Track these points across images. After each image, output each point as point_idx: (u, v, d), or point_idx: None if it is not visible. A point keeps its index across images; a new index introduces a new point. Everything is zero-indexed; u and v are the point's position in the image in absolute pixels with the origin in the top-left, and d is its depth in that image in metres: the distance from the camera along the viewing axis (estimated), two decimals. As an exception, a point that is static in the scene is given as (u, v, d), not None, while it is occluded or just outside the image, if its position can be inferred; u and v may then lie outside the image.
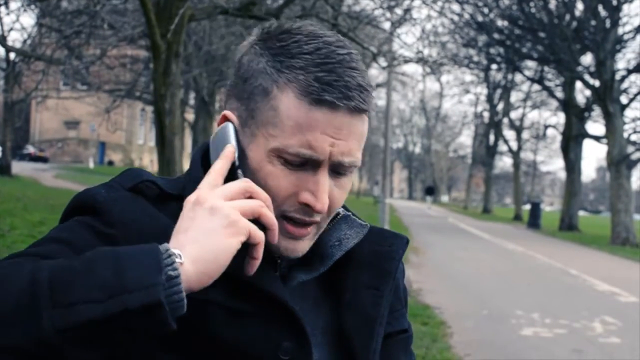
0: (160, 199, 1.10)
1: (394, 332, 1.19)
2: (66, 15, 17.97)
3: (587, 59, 28.86)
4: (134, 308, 0.85)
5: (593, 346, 7.70)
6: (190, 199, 0.98)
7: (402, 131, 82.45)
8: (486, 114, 52.83)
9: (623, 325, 8.92)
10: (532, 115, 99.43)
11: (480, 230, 28.88)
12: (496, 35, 29.49)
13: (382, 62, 17.68)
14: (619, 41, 26.09)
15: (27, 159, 48.00)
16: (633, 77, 27.49)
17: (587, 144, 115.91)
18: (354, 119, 1.04)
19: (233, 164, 1.05)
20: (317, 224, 1.09)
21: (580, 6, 26.81)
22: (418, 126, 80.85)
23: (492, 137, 50.60)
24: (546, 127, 47.81)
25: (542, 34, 26.68)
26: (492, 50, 32.10)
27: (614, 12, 25.12)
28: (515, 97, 48.57)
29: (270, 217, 1.00)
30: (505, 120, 48.84)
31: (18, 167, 31.82)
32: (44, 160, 49.37)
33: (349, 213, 1.18)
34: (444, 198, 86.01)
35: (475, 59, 35.00)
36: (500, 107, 48.48)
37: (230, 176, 1.04)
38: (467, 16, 29.04)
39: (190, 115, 32.52)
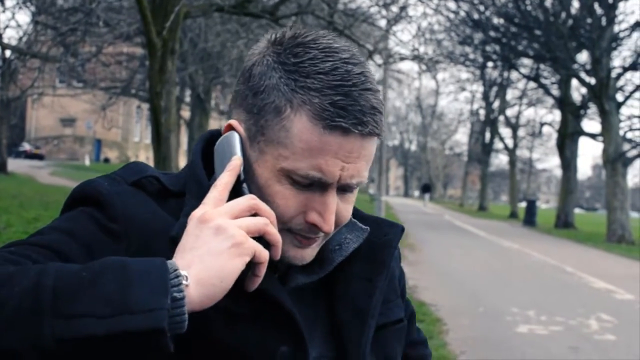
0: (161, 195, 1.10)
1: (389, 323, 1.19)
2: (62, 12, 17.95)
3: (583, 56, 28.90)
4: (136, 330, 0.84)
5: (589, 343, 7.72)
6: (196, 214, 0.97)
7: (398, 129, 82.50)
8: (482, 112, 52.80)
9: (619, 323, 8.93)
10: (528, 113, 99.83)
11: (476, 228, 28.90)
12: (492, 33, 29.49)
13: (378, 59, 17.69)
14: (615, 39, 26.10)
15: (23, 157, 47.79)
16: (629, 74, 27.67)
17: (583, 141, 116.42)
18: (365, 142, 1.03)
19: (238, 177, 1.05)
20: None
21: (576, 4, 26.84)
22: (414, 124, 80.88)
23: (488, 135, 50.57)
24: (542, 124, 47.76)
25: (538, 32, 26.70)
26: (488, 48, 32.13)
27: (610, 10, 25.14)
28: (511, 94, 48.64)
29: (275, 234, 0.99)
30: (501, 117, 48.83)
31: (14, 165, 31.73)
32: (39, 157, 49.18)
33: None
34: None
35: (471, 56, 35.03)
36: (496, 104, 48.48)
37: (235, 189, 1.04)
38: (463, 14, 29.09)
39: (186, 113, 32.48)
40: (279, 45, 1.06)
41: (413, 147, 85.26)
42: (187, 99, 30.77)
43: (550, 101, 40.71)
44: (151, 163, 11.01)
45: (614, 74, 25.69)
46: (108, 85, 26.88)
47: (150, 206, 1.07)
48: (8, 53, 24.39)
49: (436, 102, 69.26)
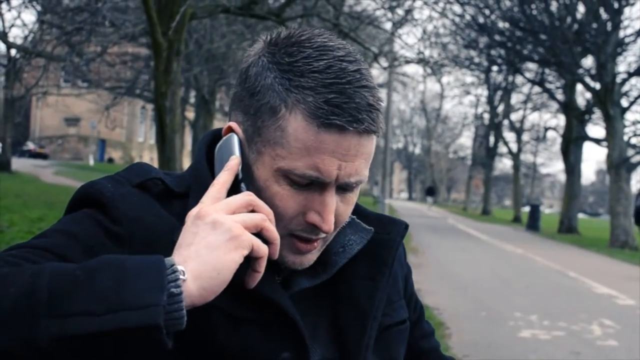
0: (165, 197, 1.09)
1: (392, 324, 1.19)
2: (67, 12, 17.96)
3: (588, 61, 28.84)
4: (131, 327, 0.83)
5: (591, 349, 7.70)
6: (192, 212, 0.97)
7: (402, 132, 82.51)
8: (486, 116, 52.82)
9: (621, 328, 8.91)
10: (533, 117, 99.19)
11: (479, 232, 28.87)
12: (497, 37, 29.47)
13: (383, 62, 17.71)
14: (620, 44, 26.08)
15: (27, 156, 47.83)
16: (634, 80, 27.48)
17: (587, 146, 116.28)
18: (363, 140, 1.02)
19: (236, 176, 1.04)
20: (324, 237, 1.09)
21: (581, 9, 26.81)
22: (418, 127, 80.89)
23: (492, 139, 50.56)
24: (546, 129, 47.77)
25: (543, 36, 26.66)
26: (493, 52, 32.09)
27: (615, 15, 25.11)
28: (515, 99, 48.55)
29: (272, 230, 0.98)
30: (506, 122, 48.82)
31: (18, 164, 31.78)
32: (43, 157, 49.21)
33: (354, 217, 1.18)
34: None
35: (476, 60, 34.98)
36: (500, 108, 48.46)
37: (234, 188, 1.03)
38: (468, 17, 29.05)
39: (190, 114, 32.52)
40: (274, 46, 1.05)
41: (417, 150, 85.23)
42: (192, 100, 30.80)
43: (554, 106, 40.67)
44: (155, 164, 11.03)
45: (619, 79, 25.66)
46: (113, 85, 26.90)
47: (155, 208, 1.06)
48: (13, 52, 24.44)
49: (441, 106, 69.18)
